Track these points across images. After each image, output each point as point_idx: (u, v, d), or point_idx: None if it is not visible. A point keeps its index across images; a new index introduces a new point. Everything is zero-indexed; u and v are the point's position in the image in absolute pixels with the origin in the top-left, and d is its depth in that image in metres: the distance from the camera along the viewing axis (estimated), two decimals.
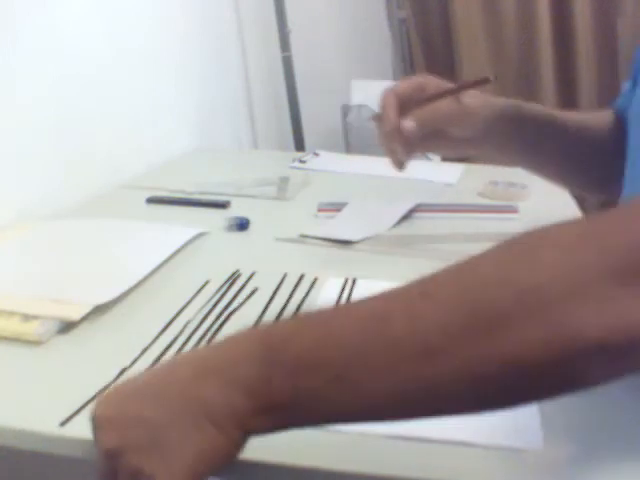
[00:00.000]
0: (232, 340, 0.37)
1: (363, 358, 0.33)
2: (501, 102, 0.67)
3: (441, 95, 0.63)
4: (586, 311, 0.29)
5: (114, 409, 0.38)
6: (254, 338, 0.36)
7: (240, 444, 0.36)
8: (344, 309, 0.38)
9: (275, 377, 0.34)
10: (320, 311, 0.37)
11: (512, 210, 0.93)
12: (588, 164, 0.69)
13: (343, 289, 0.68)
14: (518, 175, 1.10)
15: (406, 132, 0.60)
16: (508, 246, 0.33)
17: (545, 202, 0.97)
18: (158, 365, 0.40)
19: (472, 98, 0.64)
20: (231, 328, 0.60)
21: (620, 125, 0.65)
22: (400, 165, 0.64)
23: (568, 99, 1.69)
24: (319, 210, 0.94)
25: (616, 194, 0.59)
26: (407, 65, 1.83)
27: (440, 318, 0.32)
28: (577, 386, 0.32)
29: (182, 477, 0.35)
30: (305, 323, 0.36)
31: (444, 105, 0.63)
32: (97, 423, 0.38)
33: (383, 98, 0.62)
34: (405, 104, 0.62)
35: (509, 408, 0.33)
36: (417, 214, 0.91)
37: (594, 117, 0.71)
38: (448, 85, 0.65)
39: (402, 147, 0.62)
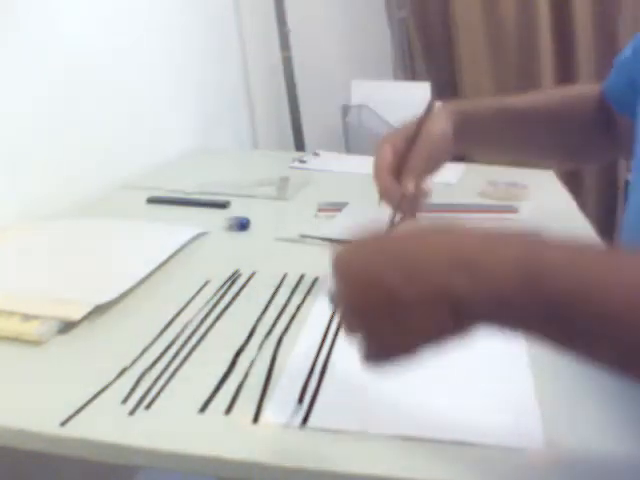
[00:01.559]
0: (496, 243, 0.38)
1: (623, 323, 0.33)
2: (450, 125, 0.68)
3: (415, 137, 0.65)
4: None
5: (362, 265, 0.40)
6: (520, 253, 0.36)
7: (466, 332, 0.38)
8: (612, 259, 0.37)
9: (527, 304, 0.35)
10: (588, 249, 0.37)
11: (512, 210, 0.93)
12: (562, 138, 0.73)
13: None
14: (518, 175, 1.10)
15: (410, 194, 0.63)
16: None
17: (545, 202, 0.97)
18: (410, 234, 0.41)
19: (431, 136, 0.66)
20: (232, 328, 0.60)
21: (605, 102, 0.70)
22: (414, 213, 0.66)
23: None
24: (319, 210, 0.94)
25: (597, 163, 0.65)
26: (407, 65, 1.83)
27: None
28: None
29: (408, 345, 0.38)
30: (573, 259, 0.36)
31: (425, 160, 0.65)
32: (341, 270, 0.40)
33: (376, 178, 0.65)
34: (396, 168, 0.65)
35: None
36: (417, 214, 0.91)
37: (565, 95, 0.75)
38: (409, 130, 0.66)
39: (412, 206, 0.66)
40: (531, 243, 0.37)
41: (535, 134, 0.72)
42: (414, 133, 0.65)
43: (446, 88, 1.70)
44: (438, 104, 0.70)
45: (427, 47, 1.78)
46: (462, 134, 0.69)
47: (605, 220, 1.69)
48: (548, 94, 0.76)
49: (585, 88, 0.74)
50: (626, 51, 0.66)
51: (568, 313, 0.34)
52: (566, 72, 1.68)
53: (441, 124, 0.68)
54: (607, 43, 1.63)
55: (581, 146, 0.73)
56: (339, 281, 0.41)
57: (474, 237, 0.39)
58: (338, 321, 0.42)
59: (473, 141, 0.72)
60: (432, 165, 0.67)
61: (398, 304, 0.37)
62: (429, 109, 0.67)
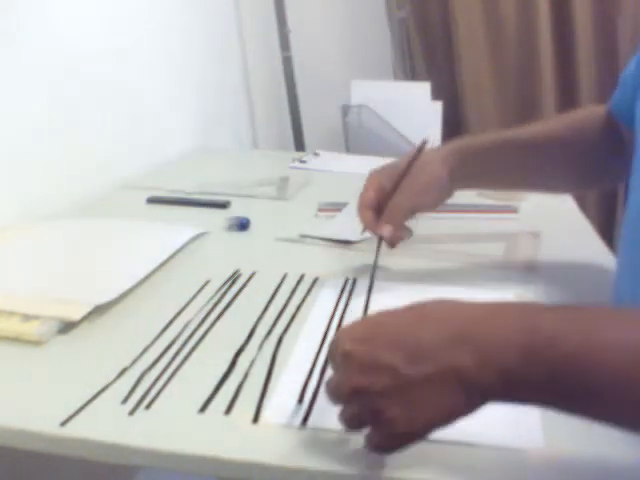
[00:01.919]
0: (494, 314, 0.38)
1: (623, 381, 0.34)
2: (446, 166, 0.68)
3: (401, 178, 0.66)
4: None
5: (366, 351, 0.39)
6: (518, 323, 0.37)
7: (477, 410, 0.38)
8: (609, 320, 0.38)
9: (531, 376, 0.36)
10: (585, 313, 0.38)
11: (512, 210, 0.93)
12: (570, 167, 0.70)
13: (343, 289, 0.68)
14: None
15: (388, 238, 0.66)
16: None
17: (545, 202, 0.97)
18: (406, 310, 0.41)
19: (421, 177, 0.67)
20: (232, 328, 0.60)
21: (613, 120, 0.67)
22: (393, 245, 0.67)
23: (568, 99, 1.68)
24: (319, 210, 0.94)
25: (609, 186, 0.61)
26: (407, 65, 1.83)
27: None
28: None
29: (419, 427, 0.37)
30: (570, 324, 0.37)
31: (408, 200, 0.66)
32: (347, 360, 0.39)
33: (359, 214, 0.67)
34: (380, 203, 0.67)
35: None
36: (417, 214, 0.91)
37: (568, 121, 0.72)
38: (399, 168, 0.67)
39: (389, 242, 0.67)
40: (526, 313, 0.38)
41: (543, 164, 0.70)
42: (401, 173, 0.66)
43: (446, 88, 1.70)
44: (434, 146, 0.70)
45: (427, 47, 1.77)
46: (462, 174, 0.68)
47: (605, 220, 1.69)
48: (551, 123, 0.72)
49: (589, 111, 0.71)
50: (630, 65, 0.64)
51: (570, 379, 0.35)
52: (566, 72, 1.68)
53: (432, 169, 0.67)
54: (607, 43, 1.63)
55: (592, 171, 0.70)
56: (341, 369, 0.40)
57: (469, 310, 0.39)
58: (341, 415, 0.41)
59: (476, 179, 0.71)
60: (415, 209, 0.68)
61: (405, 384, 0.37)
62: (419, 150, 0.67)
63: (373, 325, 0.42)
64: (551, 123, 0.72)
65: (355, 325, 0.42)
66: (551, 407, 0.37)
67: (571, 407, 0.37)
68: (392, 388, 0.37)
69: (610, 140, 0.67)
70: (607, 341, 0.35)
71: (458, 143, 0.70)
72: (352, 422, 0.40)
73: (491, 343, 0.37)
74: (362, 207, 0.67)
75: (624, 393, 0.35)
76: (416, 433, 0.38)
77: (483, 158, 0.69)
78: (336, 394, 0.41)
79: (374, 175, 0.69)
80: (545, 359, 0.35)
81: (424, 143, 0.67)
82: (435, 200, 0.68)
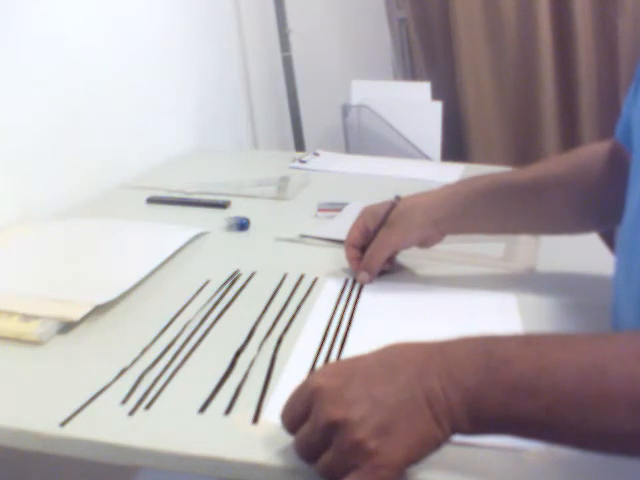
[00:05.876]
0: (457, 343, 0.41)
1: (574, 399, 0.36)
2: (433, 212, 0.68)
3: (379, 226, 0.69)
4: None
5: (341, 382, 0.40)
6: (478, 348, 0.40)
7: (447, 439, 0.39)
8: (560, 344, 0.40)
9: (490, 394, 0.38)
10: (538, 339, 0.41)
11: None
12: (573, 209, 0.68)
13: (343, 289, 0.68)
14: None
15: (363, 283, 0.69)
16: None
17: None
18: (373, 353, 0.42)
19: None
20: (232, 328, 0.60)
21: (620, 153, 0.63)
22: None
23: (568, 99, 1.69)
24: (319, 210, 0.94)
25: (616, 225, 0.59)
26: (407, 65, 1.83)
27: None
28: None
29: (402, 457, 0.38)
30: (524, 348, 0.39)
31: (385, 247, 0.69)
32: (321, 394, 0.39)
33: (345, 251, 0.71)
34: (365, 242, 0.70)
35: None
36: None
37: (569, 161, 0.69)
38: (381, 211, 0.69)
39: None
40: (485, 340, 0.40)
41: (544, 208, 0.68)
42: (382, 219, 0.68)
43: (446, 88, 1.70)
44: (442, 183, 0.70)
45: (427, 47, 1.78)
46: (455, 219, 0.68)
47: None
48: (552, 164, 0.70)
49: (591, 150, 0.68)
50: (630, 90, 0.63)
51: (524, 399, 0.37)
52: (566, 72, 1.68)
53: (414, 216, 0.67)
54: (607, 43, 1.63)
55: (597, 212, 0.67)
56: (313, 407, 0.39)
57: (433, 344, 0.41)
58: (318, 467, 0.40)
59: (471, 224, 0.70)
60: (393, 252, 0.71)
61: (382, 412, 0.38)
62: (393, 205, 0.68)
63: (343, 364, 0.43)
64: (551, 164, 0.70)
65: (324, 366, 0.44)
66: (512, 432, 0.38)
67: (528, 430, 0.38)
68: (370, 415, 0.38)
69: (615, 178, 0.63)
70: (558, 363, 0.38)
71: (454, 187, 0.69)
72: (330, 471, 0.39)
73: (454, 365, 0.39)
74: (348, 246, 0.71)
75: (576, 413, 0.36)
76: (396, 465, 0.38)
77: (479, 203, 0.68)
78: (309, 437, 0.40)
79: (362, 215, 0.71)
80: (501, 378, 0.38)
81: (397, 199, 0.69)
82: (413, 243, 0.69)
